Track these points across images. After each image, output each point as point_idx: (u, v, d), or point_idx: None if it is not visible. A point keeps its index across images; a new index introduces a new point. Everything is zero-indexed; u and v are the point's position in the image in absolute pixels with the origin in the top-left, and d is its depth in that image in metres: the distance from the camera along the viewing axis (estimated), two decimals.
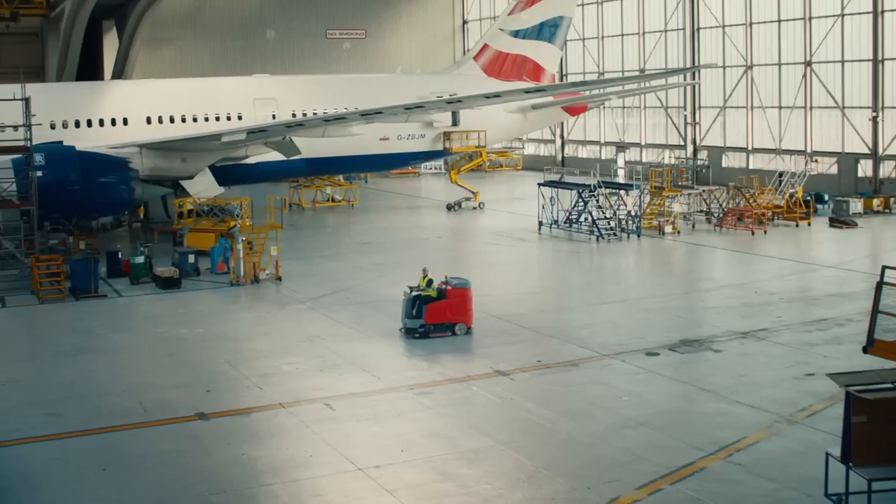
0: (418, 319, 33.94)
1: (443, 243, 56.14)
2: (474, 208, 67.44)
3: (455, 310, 34.19)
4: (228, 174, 58.59)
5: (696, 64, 77.06)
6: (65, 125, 56.68)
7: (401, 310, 34.75)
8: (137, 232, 59.93)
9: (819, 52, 67.80)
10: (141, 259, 45.06)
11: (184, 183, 56.09)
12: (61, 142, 53.62)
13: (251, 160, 58.94)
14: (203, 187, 56.08)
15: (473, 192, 68.39)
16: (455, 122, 67.42)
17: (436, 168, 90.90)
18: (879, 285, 21.78)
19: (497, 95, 57.74)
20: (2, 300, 41.78)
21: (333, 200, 72.04)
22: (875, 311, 21.86)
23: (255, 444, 24.44)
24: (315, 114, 61.56)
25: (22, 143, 46.65)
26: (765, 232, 54.63)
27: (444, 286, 34.34)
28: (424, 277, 34.75)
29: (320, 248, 53.33)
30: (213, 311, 39.88)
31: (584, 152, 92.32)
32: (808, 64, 68.60)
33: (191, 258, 46.06)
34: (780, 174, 62.19)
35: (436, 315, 33.93)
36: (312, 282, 44.15)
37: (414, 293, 34.28)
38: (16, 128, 47.95)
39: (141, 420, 26.31)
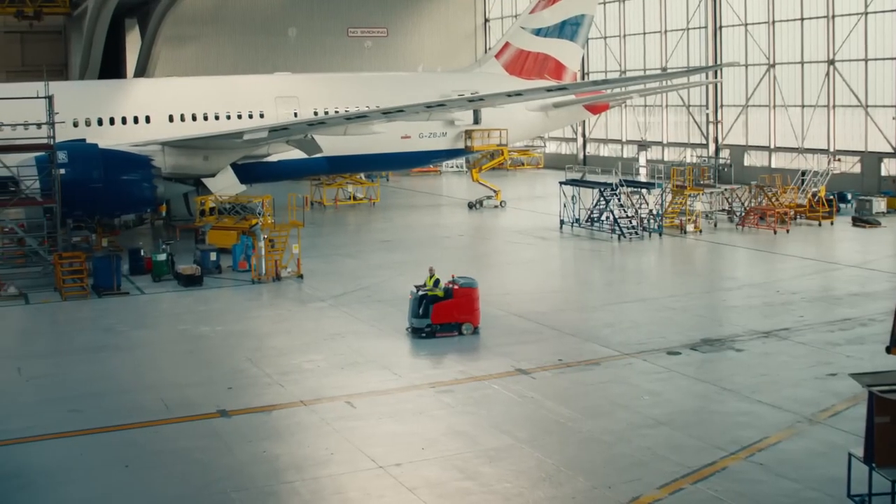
0: (425, 319, 33.80)
1: (464, 242, 56.14)
2: (496, 207, 67.36)
3: (462, 309, 34.03)
4: (250, 172, 58.73)
5: (719, 62, 76.75)
6: (87, 123, 56.94)
7: (407, 309, 34.75)
8: (160, 229, 60.15)
9: (842, 50, 67.37)
10: (163, 256, 45.21)
11: (206, 181, 56.26)
12: (84, 139, 53.87)
13: (273, 158, 59.11)
14: (225, 185, 56.22)
15: (495, 191, 68.32)
16: (476, 121, 67.44)
17: (457, 166, 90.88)
18: None
19: (518, 94, 57.62)
20: (25, 297, 41.99)
21: (355, 198, 72.04)
22: None
23: (276, 441, 24.48)
24: (337, 112, 61.52)
25: (45, 141, 46.86)
26: (787, 231, 54.39)
27: (451, 286, 34.28)
28: (431, 277, 34.68)
29: (341, 246, 53.38)
30: (234, 309, 39.98)
31: (605, 151, 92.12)
32: (831, 62, 68.22)
33: (212, 256, 46.16)
34: (803, 173, 61.85)
35: (442, 315, 33.79)
36: (334, 279, 44.21)
37: (420, 293, 34.23)
38: (39, 125, 48.16)
39: (162, 417, 26.42)
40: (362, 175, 73.60)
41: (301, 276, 44.42)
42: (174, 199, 58.59)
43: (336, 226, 62.43)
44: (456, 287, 34.17)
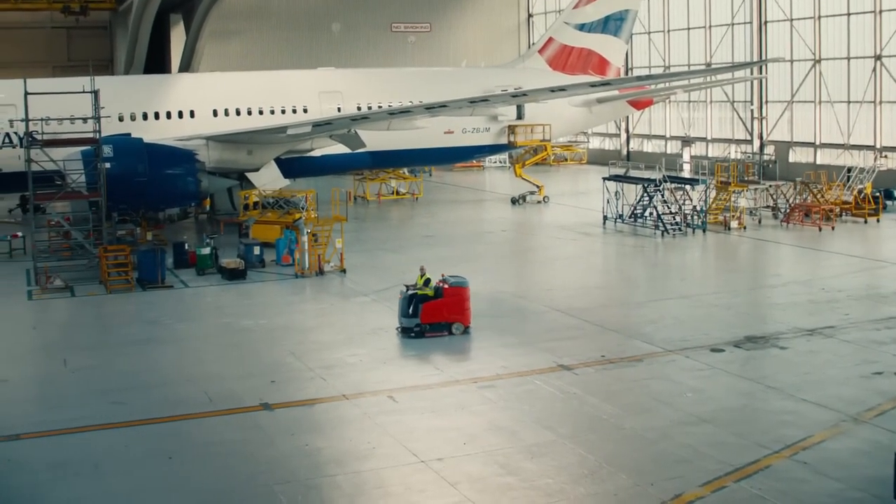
0: (414, 318, 33.48)
1: (507, 237, 56.11)
2: (539, 202, 67.25)
3: (452, 309, 33.65)
4: (294, 166, 58.90)
5: (763, 58, 76.19)
6: (133, 117, 57.35)
7: (397, 309, 34.45)
8: (204, 223, 60.54)
9: (889, 45, 66.64)
10: (207, 250, 45.47)
11: (249, 175, 56.46)
12: (129, 134, 54.30)
13: (316, 153, 59.20)
14: (268, 179, 56.44)
15: (538, 186, 68.21)
16: (520, 116, 67.31)
17: (500, 161, 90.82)
18: None
19: (562, 89, 57.43)
20: (71, 289, 42.41)
21: (398, 193, 72.18)
22: None
23: (319, 434, 24.57)
24: (380, 107, 61.70)
25: (91, 135, 47.25)
26: (832, 228, 53.91)
27: (441, 285, 34.01)
28: (422, 276, 34.42)
29: (384, 241, 53.46)
30: (277, 303, 40.16)
31: (649, 146, 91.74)
32: (877, 58, 67.50)
33: (256, 250, 46.48)
34: (849, 169, 61.29)
35: (432, 314, 33.46)
36: (376, 274, 44.25)
37: (410, 292, 34.00)
38: (85, 120, 48.60)
39: (206, 409, 26.60)
40: (405, 170, 73.65)
41: (344, 271, 44.54)
42: (218, 193, 58.94)
43: (379, 221, 62.57)
44: (446, 286, 33.95)
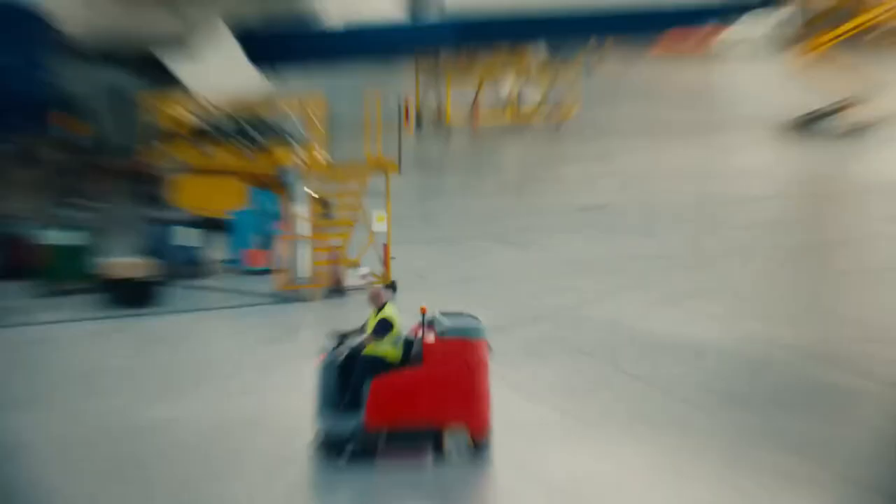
0: (351, 414, 29.67)
1: (777, 216, 54.83)
2: (854, 131, 66.24)
3: (445, 393, 29.80)
4: (283, 49, 60.31)
5: None
6: None
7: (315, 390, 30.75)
8: (67, 175, 60.26)
9: None
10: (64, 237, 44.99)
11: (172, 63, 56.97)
12: None
13: None
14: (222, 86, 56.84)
15: (855, 94, 67.11)
16: None
17: (757, 39, 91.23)
18: None
19: None
20: None
21: (516, 108, 72.21)
22: None
23: None
24: None
25: None
26: None
27: (418, 333, 29.76)
28: (378, 312, 30.18)
29: (485, 219, 53.71)
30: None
31: None
32: None
33: (185, 236, 46.16)
34: None
35: (392, 406, 30.08)
36: (467, 293, 42.21)
37: (346, 348, 30.08)
38: None
39: None
40: (534, 54, 73.36)
41: (391, 285, 42.08)
42: (99, 101, 58.72)
43: (473, 171, 63.46)
44: (433, 339, 29.92)
